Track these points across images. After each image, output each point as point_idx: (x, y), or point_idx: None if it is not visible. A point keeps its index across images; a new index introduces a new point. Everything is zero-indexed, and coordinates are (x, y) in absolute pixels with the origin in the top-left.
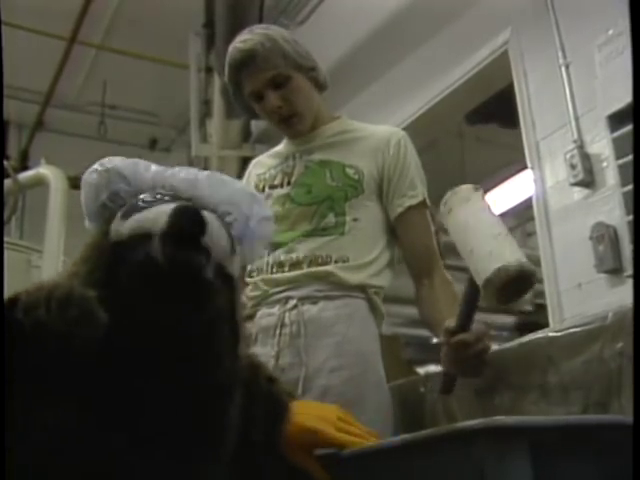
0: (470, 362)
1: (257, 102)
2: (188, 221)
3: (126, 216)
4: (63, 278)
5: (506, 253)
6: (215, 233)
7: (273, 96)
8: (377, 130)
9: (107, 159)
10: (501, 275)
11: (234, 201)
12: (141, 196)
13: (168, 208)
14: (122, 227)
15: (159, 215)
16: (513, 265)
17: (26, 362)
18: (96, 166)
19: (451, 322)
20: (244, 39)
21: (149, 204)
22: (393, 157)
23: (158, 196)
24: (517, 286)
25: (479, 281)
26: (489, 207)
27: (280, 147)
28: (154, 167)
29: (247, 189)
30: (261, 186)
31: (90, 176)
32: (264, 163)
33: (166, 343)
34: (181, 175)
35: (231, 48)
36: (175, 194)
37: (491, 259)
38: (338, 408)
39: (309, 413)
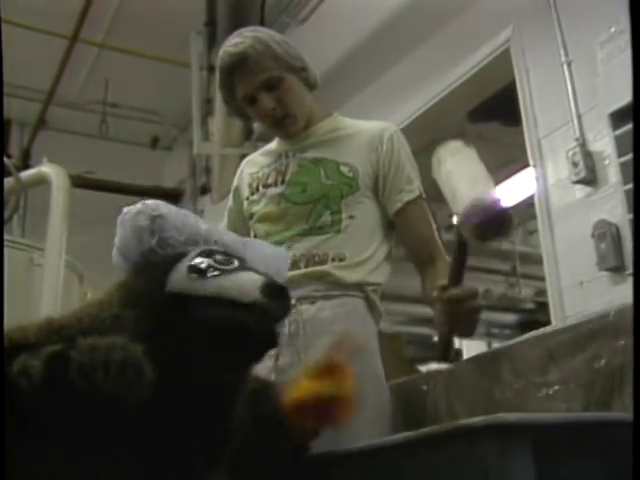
0: (462, 319)
1: (250, 105)
2: (282, 302)
3: (196, 272)
4: (102, 320)
5: (483, 191)
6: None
7: (266, 98)
8: (369, 126)
9: (153, 203)
10: (475, 209)
11: (269, 264)
12: (217, 259)
13: (255, 279)
14: (195, 284)
15: (246, 286)
16: (487, 199)
17: (74, 421)
18: (144, 208)
19: (444, 281)
20: (235, 42)
21: (223, 266)
22: (387, 153)
23: (218, 257)
24: (495, 225)
25: (459, 219)
26: (477, 158)
27: (272, 145)
28: (202, 222)
29: (280, 252)
30: (254, 185)
31: (138, 218)
32: (256, 162)
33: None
34: (230, 235)
35: (222, 52)
36: (226, 251)
37: (469, 195)
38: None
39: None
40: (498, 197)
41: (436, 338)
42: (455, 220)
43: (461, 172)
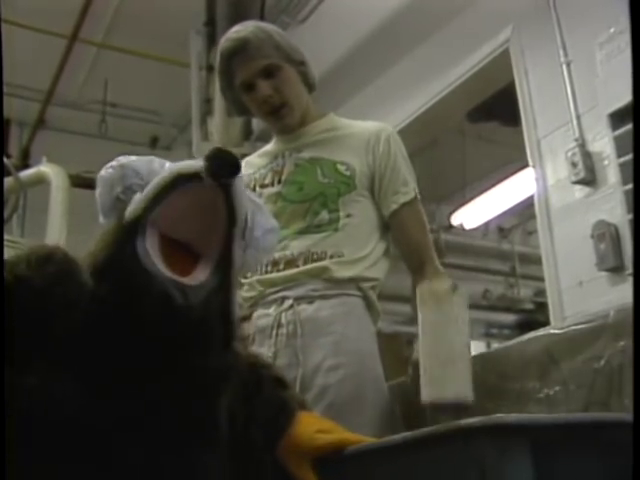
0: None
1: (247, 92)
2: (228, 155)
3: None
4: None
5: (446, 387)
6: (240, 192)
7: (264, 85)
8: (365, 126)
9: (124, 157)
10: (435, 408)
11: None
12: None
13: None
14: (142, 195)
15: (189, 163)
16: (448, 399)
17: (9, 318)
18: (113, 162)
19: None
20: (236, 30)
21: None
22: (383, 154)
23: None
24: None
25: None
26: (462, 312)
27: (269, 146)
28: (168, 164)
29: (252, 197)
30: (252, 186)
31: (106, 171)
32: (253, 163)
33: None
34: None
35: (223, 39)
36: None
37: (432, 390)
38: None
39: (310, 424)
40: (459, 396)
41: None
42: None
43: (434, 339)
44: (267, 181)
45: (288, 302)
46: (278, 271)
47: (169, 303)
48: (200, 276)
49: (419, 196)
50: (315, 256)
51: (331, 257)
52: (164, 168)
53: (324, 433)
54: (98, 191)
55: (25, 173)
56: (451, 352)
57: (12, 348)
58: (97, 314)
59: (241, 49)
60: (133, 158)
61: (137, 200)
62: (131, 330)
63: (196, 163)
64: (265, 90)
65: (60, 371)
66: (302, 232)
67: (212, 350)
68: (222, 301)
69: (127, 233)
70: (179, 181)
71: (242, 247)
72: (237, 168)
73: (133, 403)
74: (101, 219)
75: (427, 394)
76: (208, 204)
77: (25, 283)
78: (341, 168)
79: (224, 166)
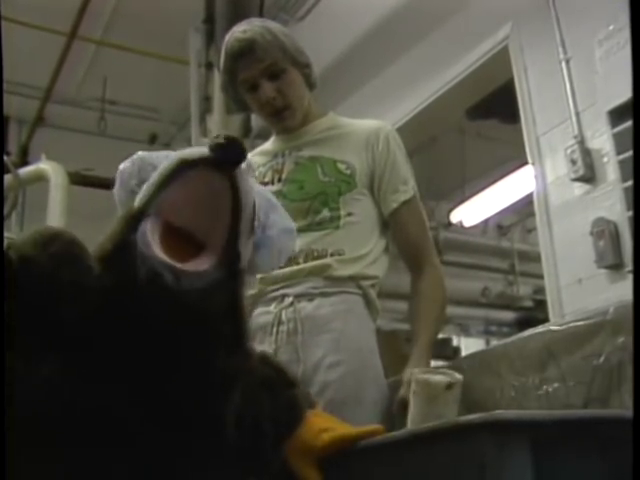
0: None
1: (251, 93)
2: (233, 142)
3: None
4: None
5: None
6: (245, 180)
7: (268, 86)
8: (364, 125)
9: (143, 152)
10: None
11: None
12: None
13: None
14: (148, 184)
15: (193, 150)
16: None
17: (15, 298)
18: (132, 156)
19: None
20: (243, 29)
21: None
22: (383, 152)
23: None
24: None
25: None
26: (452, 410)
27: (268, 145)
28: None
29: (267, 196)
30: None
31: (124, 165)
32: (253, 161)
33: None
34: None
35: (229, 37)
36: None
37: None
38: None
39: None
40: None
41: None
42: None
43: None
44: (267, 179)
45: (288, 299)
46: (279, 268)
47: (158, 284)
48: (200, 265)
49: (418, 195)
50: (316, 253)
51: (332, 255)
52: None
53: (328, 431)
54: (116, 185)
55: (24, 170)
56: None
57: (16, 332)
58: (100, 300)
59: (248, 50)
60: (147, 154)
61: (144, 189)
62: (130, 317)
63: (200, 149)
64: (269, 92)
65: (61, 357)
66: (303, 230)
67: (220, 348)
68: (230, 297)
69: (132, 222)
70: (182, 168)
71: (251, 242)
72: (242, 155)
73: (135, 392)
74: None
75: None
76: (212, 191)
77: (31, 263)
78: (341, 167)
79: (228, 152)
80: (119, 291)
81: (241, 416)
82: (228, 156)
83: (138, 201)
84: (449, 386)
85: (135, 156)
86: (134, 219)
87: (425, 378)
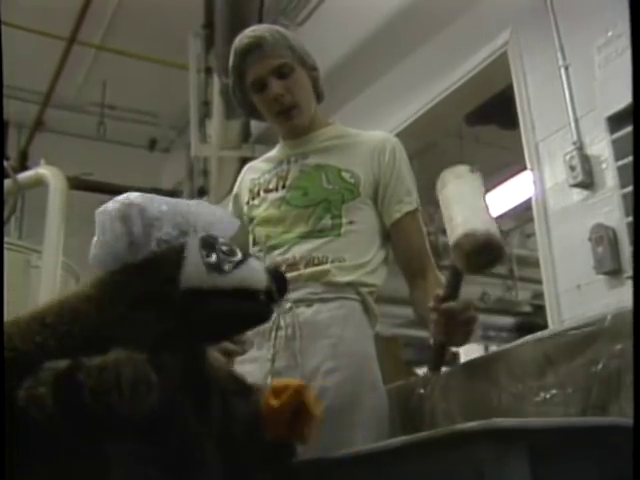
0: (458, 330)
1: (258, 92)
2: (283, 283)
3: (215, 269)
4: (105, 320)
5: (477, 222)
6: None
7: (276, 84)
8: (371, 136)
9: (139, 199)
10: (468, 240)
11: None
12: (223, 250)
13: (261, 265)
14: (216, 280)
15: (258, 275)
16: (480, 231)
17: (94, 442)
18: (128, 205)
19: (440, 291)
20: (253, 29)
21: (232, 258)
22: (389, 163)
23: (223, 248)
24: (486, 256)
25: (452, 248)
26: (480, 186)
27: (273, 152)
28: (183, 203)
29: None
30: (256, 190)
31: (124, 224)
32: (258, 168)
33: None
34: (211, 215)
35: (238, 38)
36: (224, 241)
37: (464, 225)
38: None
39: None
40: (491, 231)
41: (430, 346)
42: (451, 247)
43: (460, 199)
44: (271, 186)
45: (287, 305)
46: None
47: None
48: None
49: (420, 208)
50: (317, 260)
51: (332, 262)
52: (187, 213)
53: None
54: (111, 232)
55: (23, 175)
56: (479, 204)
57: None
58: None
59: (256, 46)
60: (151, 201)
61: (206, 276)
62: None
63: (261, 280)
64: (277, 89)
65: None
66: (304, 236)
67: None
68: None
69: (190, 301)
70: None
71: None
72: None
73: None
74: (100, 257)
75: (458, 231)
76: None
77: (117, 411)
78: (346, 175)
79: (282, 290)
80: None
81: (215, 420)
82: (281, 294)
83: (196, 282)
84: (471, 169)
85: (134, 208)
86: (192, 297)
87: (449, 169)
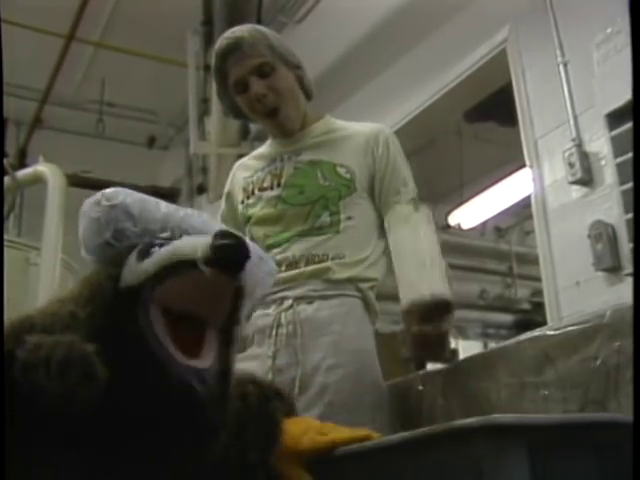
0: (433, 349)
1: (241, 93)
2: (235, 247)
3: (143, 256)
4: (60, 317)
5: (422, 286)
6: (252, 278)
7: (258, 83)
8: (363, 128)
9: (112, 191)
10: (414, 307)
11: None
12: (162, 235)
13: (202, 239)
14: (142, 267)
15: (193, 245)
16: (426, 298)
17: (24, 422)
18: (100, 198)
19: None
20: (232, 30)
21: (167, 242)
22: (383, 155)
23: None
24: (436, 312)
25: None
26: (427, 228)
27: (264, 149)
28: (164, 206)
29: (258, 252)
30: (250, 189)
31: (93, 209)
32: (249, 165)
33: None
34: (197, 219)
35: (219, 39)
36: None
37: (410, 289)
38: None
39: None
40: (438, 290)
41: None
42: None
43: (406, 254)
44: (266, 184)
45: (288, 302)
46: (280, 272)
47: (191, 394)
48: (209, 354)
49: (417, 197)
50: (317, 258)
51: (332, 259)
52: (159, 211)
53: (319, 434)
54: (83, 227)
55: (22, 172)
56: (422, 257)
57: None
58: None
59: (235, 47)
60: (122, 196)
61: (135, 269)
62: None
63: (197, 249)
64: (259, 88)
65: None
66: (303, 234)
67: (216, 418)
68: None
69: (125, 301)
70: (180, 266)
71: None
72: (243, 260)
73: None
74: (83, 254)
75: (405, 296)
76: (215, 287)
77: (45, 391)
78: (341, 171)
79: (228, 259)
80: (122, 380)
81: (227, 448)
82: (227, 262)
83: (130, 279)
84: (416, 208)
85: (104, 200)
86: (126, 298)
87: (393, 212)
